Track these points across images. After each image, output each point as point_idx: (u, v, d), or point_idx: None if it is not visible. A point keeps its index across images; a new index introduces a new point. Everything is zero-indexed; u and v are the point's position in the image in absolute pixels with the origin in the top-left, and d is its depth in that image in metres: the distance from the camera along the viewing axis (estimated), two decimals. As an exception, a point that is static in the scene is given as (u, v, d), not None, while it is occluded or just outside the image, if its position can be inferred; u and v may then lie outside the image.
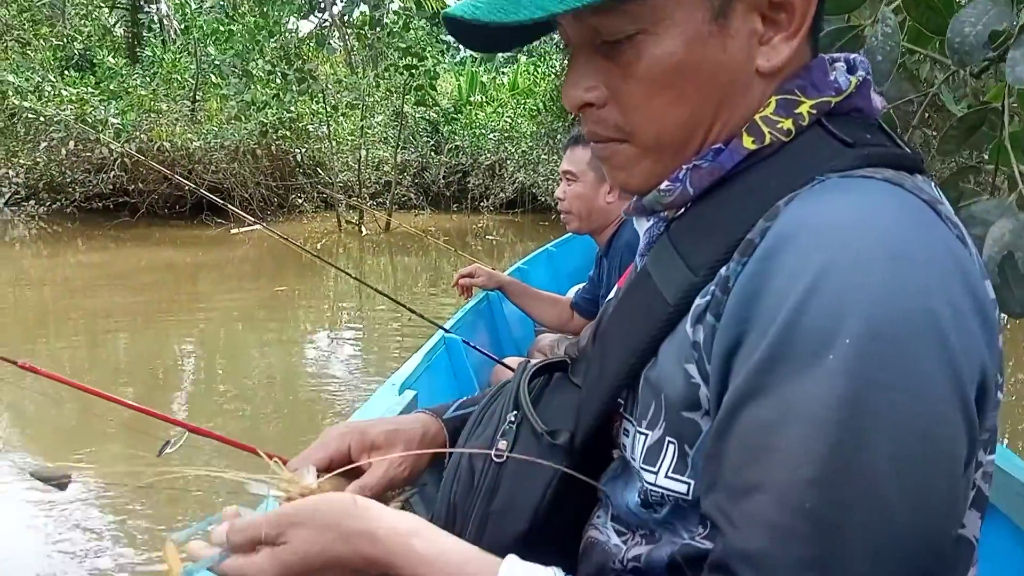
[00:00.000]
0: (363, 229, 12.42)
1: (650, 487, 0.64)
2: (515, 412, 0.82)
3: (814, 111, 0.63)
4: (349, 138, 13.44)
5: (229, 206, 3.01)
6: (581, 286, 2.57)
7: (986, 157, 1.28)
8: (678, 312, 0.63)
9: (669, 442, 0.63)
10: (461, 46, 0.78)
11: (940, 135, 1.17)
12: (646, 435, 0.66)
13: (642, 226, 0.80)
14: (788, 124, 0.63)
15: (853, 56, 0.68)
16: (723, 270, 0.58)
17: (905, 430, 0.48)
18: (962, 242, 0.55)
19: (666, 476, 0.63)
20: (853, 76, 0.65)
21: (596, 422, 0.73)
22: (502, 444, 0.79)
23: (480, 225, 13.63)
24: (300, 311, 7.26)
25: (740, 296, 0.55)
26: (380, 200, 13.61)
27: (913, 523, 0.48)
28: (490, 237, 12.46)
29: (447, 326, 2.68)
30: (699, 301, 0.60)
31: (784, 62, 0.64)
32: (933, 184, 0.64)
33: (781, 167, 0.62)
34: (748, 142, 0.64)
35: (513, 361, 2.45)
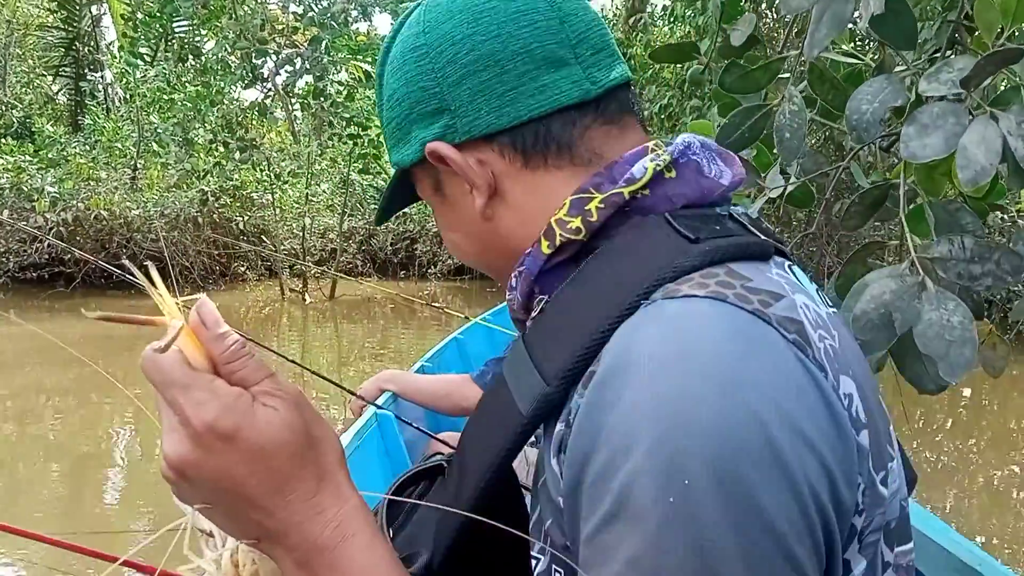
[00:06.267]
0: (307, 297, 12.26)
1: None
2: None
3: (602, 205, 0.63)
4: (294, 206, 13.37)
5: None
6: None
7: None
8: (532, 425, 0.60)
9: (556, 571, 0.59)
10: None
11: (844, 210, 1.18)
12: (538, 560, 0.61)
13: None
14: (577, 223, 0.63)
15: (697, 140, 0.67)
16: (571, 400, 0.56)
17: (757, 574, 0.46)
18: (800, 345, 0.53)
19: None
20: (652, 164, 0.64)
21: (453, 544, 0.68)
22: None
23: (428, 292, 13.59)
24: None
25: (576, 439, 0.52)
26: (325, 268, 13.52)
27: None
28: (437, 304, 12.39)
29: (380, 401, 2.60)
30: (559, 427, 0.57)
31: (482, 207, 0.69)
32: (788, 267, 0.64)
33: (622, 265, 0.60)
34: (544, 246, 0.65)
35: (451, 436, 2.38)
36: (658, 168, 0.63)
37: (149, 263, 0.57)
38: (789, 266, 0.64)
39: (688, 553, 0.45)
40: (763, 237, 0.63)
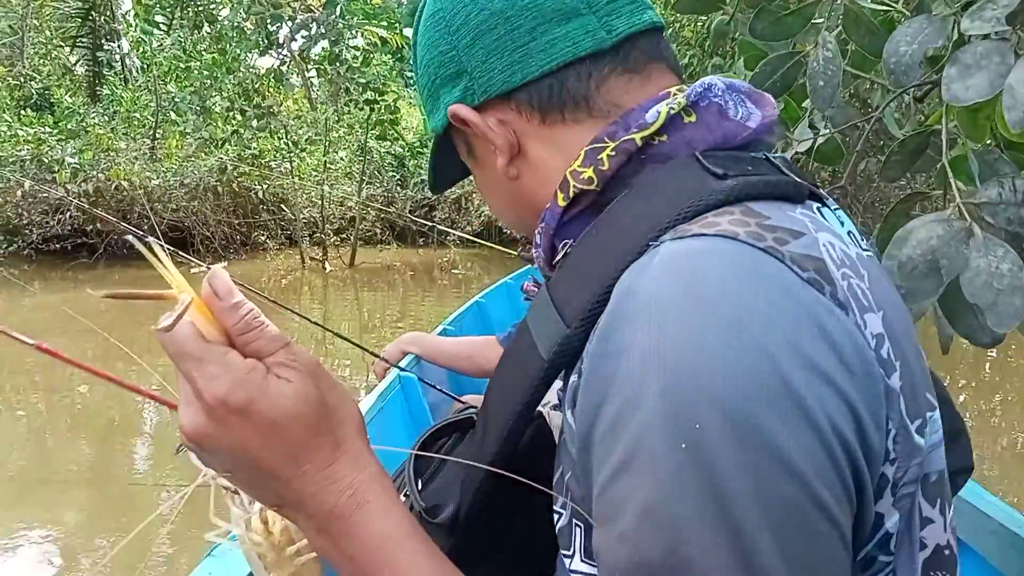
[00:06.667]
0: (327, 265, 12.29)
1: (572, 573, 0.57)
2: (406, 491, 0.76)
3: (614, 153, 0.62)
4: (312, 174, 13.37)
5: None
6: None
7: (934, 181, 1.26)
8: (554, 368, 0.58)
9: (576, 525, 0.57)
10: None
11: (883, 160, 1.14)
12: (560, 515, 0.59)
13: None
14: (589, 173, 0.63)
15: (722, 82, 0.64)
16: (586, 348, 0.54)
17: (780, 518, 0.43)
18: (816, 283, 0.50)
19: (581, 561, 0.56)
20: (665, 107, 0.61)
21: (478, 496, 0.67)
22: None
23: (447, 259, 13.58)
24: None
25: (585, 390, 0.51)
26: (344, 236, 13.52)
27: None
28: (456, 271, 12.41)
29: (403, 363, 2.60)
30: (573, 378, 0.55)
31: (504, 166, 0.69)
32: (817, 208, 0.60)
33: (646, 203, 0.58)
34: (560, 199, 0.65)
35: (474, 399, 2.38)
36: (672, 112, 0.61)
37: (152, 238, 0.56)
38: (818, 208, 0.61)
39: (703, 500, 0.43)
40: (798, 180, 0.60)
